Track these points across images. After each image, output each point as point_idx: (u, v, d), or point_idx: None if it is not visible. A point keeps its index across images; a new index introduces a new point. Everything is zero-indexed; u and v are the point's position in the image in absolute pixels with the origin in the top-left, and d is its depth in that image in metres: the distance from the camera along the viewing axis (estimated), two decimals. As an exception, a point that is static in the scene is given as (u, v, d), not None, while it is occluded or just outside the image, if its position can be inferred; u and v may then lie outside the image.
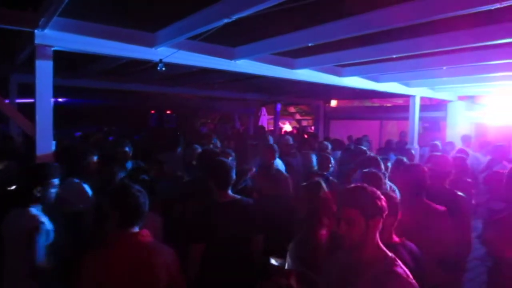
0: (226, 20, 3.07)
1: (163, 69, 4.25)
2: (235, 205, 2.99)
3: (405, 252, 2.22)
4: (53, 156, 3.68)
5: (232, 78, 7.70)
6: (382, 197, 1.93)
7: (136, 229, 2.22)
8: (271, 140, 7.09)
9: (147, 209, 2.28)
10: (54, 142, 3.75)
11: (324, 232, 2.67)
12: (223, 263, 2.81)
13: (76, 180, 3.58)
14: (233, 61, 5.06)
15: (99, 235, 2.55)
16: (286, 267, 2.69)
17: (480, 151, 7.17)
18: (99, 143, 6.71)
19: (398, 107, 12.10)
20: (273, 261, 2.99)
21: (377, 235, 1.91)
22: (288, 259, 2.67)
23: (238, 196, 3.08)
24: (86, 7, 3.53)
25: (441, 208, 2.91)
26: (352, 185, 2.04)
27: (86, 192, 3.56)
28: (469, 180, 4.40)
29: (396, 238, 2.31)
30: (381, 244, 1.91)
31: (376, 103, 13.94)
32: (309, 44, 4.16)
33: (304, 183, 3.25)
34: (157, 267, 2.17)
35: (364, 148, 5.87)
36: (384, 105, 13.44)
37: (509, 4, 2.79)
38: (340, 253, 2.03)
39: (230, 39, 4.70)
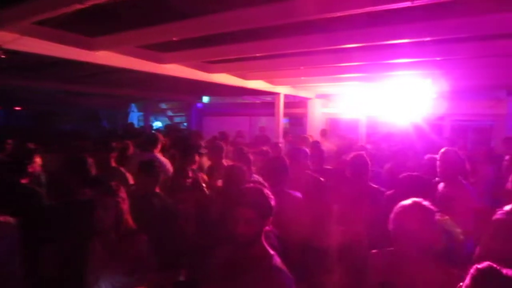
0: (78, 5, 2.78)
1: (2, 56, 3.69)
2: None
3: (274, 238, 2.42)
4: None
5: (95, 71, 7.11)
6: (272, 197, 2.04)
7: None
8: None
9: None
10: None
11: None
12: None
13: None
14: (92, 52, 4.66)
15: None
16: None
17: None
18: None
19: (267, 104, 12.80)
20: None
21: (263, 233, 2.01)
22: None
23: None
24: None
25: (298, 195, 3.16)
26: (247, 186, 2.14)
27: None
28: (328, 167, 4.88)
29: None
30: (264, 242, 2.01)
31: (247, 99, 14.52)
32: (174, 39, 4.08)
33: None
34: None
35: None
36: (254, 102, 14.09)
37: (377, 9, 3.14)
38: (225, 249, 2.10)
39: (90, 28, 4.32)
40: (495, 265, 1.36)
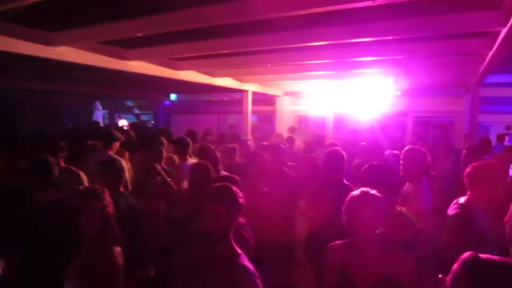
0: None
1: None
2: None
3: (249, 229, 2.50)
4: None
5: (55, 67, 6.85)
6: (241, 194, 2.06)
7: None
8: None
9: None
10: None
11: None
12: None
13: None
14: (52, 48, 4.49)
15: None
16: None
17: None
18: None
19: (235, 101, 12.78)
20: None
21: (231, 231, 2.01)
22: None
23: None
24: None
25: (266, 189, 3.19)
26: (217, 184, 2.14)
27: None
28: (290, 163, 4.95)
29: (241, 219, 2.45)
30: (232, 240, 2.01)
31: (215, 97, 14.45)
32: (138, 35, 3.99)
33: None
34: None
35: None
36: (223, 99, 14.04)
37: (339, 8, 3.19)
38: (192, 247, 2.09)
39: (50, 22, 4.16)
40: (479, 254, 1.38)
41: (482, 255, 1.37)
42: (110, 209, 2.41)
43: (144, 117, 16.62)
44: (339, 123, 10.71)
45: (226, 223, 1.97)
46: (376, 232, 1.96)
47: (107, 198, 2.42)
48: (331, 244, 2.21)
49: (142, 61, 5.82)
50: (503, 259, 1.39)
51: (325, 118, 10.78)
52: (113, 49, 5.29)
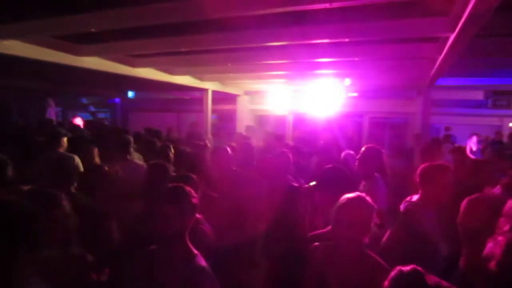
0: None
1: None
2: None
3: (206, 224, 2.52)
4: None
5: (3, 61, 6.46)
6: (195, 195, 2.02)
7: None
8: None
9: None
10: None
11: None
12: None
13: None
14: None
15: None
16: None
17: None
18: None
19: (195, 99, 12.65)
20: None
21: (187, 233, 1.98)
22: None
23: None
24: None
25: (214, 194, 3.17)
26: (171, 185, 2.09)
27: None
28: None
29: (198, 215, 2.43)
30: (188, 241, 1.98)
31: (175, 95, 14.22)
32: (92, 30, 3.85)
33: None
34: None
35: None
36: (183, 97, 13.85)
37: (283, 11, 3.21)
38: (147, 248, 2.05)
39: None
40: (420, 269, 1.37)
41: (429, 278, 1.35)
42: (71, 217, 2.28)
43: (101, 115, 16.07)
44: (299, 122, 10.88)
45: (180, 224, 1.94)
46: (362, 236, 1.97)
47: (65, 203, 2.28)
48: (314, 244, 2.21)
49: (97, 57, 5.62)
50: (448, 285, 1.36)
51: (285, 118, 10.92)
52: (66, 44, 5.07)
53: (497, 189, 3.40)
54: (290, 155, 3.68)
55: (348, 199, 2.04)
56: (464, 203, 2.42)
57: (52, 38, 4.80)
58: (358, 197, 2.05)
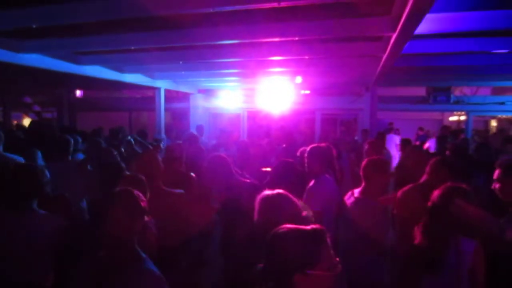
0: None
1: None
2: None
3: (153, 227, 2.35)
4: None
5: None
6: (144, 199, 1.99)
7: None
8: None
9: None
10: None
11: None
12: None
13: None
14: None
15: None
16: None
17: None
18: None
19: (147, 98, 12.34)
20: None
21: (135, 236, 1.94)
22: None
23: None
24: None
25: (177, 191, 3.14)
26: (118, 188, 2.06)
27: None
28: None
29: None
30: (136, 245, 1.94)
31: (127, 94, 13.83)
32: (33, 26, 3.66)
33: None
34: None
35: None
36: (135, 96, 13.49)
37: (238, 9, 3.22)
38: (95, 254, 1.99)
39: None
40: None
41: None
42: None
43: (48, 115, 15.26)
44: (253, 120, 10.97)
45: (127, 228, 1.90)
46: None
47: None
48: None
49: (40, 54, 5.34)
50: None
51: (239, 115, 10.96)
52: (5, 40, 4.78)
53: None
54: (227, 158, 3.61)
55: (267, 196, 2.06)
56: (398, 194, 2.59)
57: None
58: (278, 194, 2.06)
